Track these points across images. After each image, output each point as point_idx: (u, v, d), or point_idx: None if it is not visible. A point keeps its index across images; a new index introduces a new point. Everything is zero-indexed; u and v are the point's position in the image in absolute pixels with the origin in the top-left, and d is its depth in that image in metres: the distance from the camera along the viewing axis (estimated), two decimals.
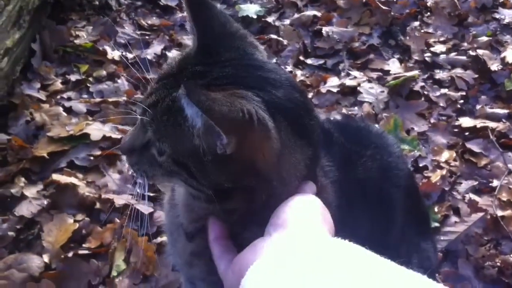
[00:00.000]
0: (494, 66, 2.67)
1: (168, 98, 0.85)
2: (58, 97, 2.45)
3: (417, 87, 2.59)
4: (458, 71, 2.69)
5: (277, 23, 3.06)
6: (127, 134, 0.98)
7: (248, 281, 0.72)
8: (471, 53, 2.78)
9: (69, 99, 2.45)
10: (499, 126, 2.33)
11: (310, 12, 3.10)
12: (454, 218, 1.97)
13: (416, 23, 3.04)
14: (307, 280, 0.65)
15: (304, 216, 0.84)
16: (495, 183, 2.09)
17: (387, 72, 2.71)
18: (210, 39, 0.92)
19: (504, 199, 2.01)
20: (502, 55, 2.76)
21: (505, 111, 2.43)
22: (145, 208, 1.78)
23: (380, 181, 1.28)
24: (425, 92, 2.57)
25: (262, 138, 0.81)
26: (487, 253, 1.83)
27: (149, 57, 2.70)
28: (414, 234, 1.43)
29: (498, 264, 1.80)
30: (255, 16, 3.04)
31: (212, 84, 0.83)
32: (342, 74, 2.72)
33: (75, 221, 1.92)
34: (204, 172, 0.85)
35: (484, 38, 2.89)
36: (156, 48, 2.79)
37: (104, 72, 2.61)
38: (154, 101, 0.86)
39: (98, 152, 2.16)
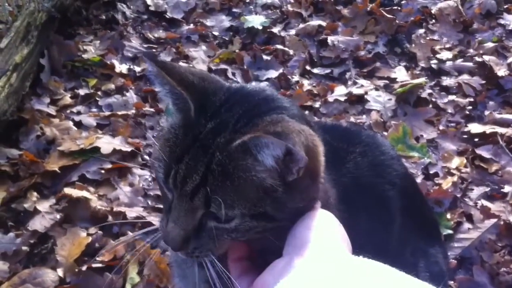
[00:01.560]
0: (501, 71, 2.67)
1: (215, 166, 0.81)
2: (68, 111, 2.47)
3: (424, 94, 2.60)
4: (465, 77, 2.70)
5: (282, 34, 3.07)
6: (166, 228, 0.88)
7: None
8: (478, 59, 2.79)
9: (78, 113, 2.46)
10: (508, 131, 2.33)
11: (315, 22, 3.11)
12: (467, 225, 1.96)
13: (421, 31, 3.05)
14: None
15: (323, 236, 0.84)
16: (507, 188, 2.09)
17: (394, 80, 2.71)
18: (199, 94, 0.89)
19: None
20: (509, 60, 2.77)
21: None
22: (157, 220, 1.78)
23: (373, 177, 1.27)
24: (433, 99, 2.58)
25: (318, 147, 0.85)
26: (502, 259, 1.83)
27: None
28: (420, 238, 1.40)
29: None
30: (260, 27, 3.05)
31: (237, 130, 0.83)
32: (349, 82, 2.73)
33: (88, 234, 1.92)
34: (281, 206, 0.84)
35: (490, 44, 2.90)
36: None
37: (112, 86, 2.63)
38: (201, 178, 0.82)
39: (109, 166, 2.16)
